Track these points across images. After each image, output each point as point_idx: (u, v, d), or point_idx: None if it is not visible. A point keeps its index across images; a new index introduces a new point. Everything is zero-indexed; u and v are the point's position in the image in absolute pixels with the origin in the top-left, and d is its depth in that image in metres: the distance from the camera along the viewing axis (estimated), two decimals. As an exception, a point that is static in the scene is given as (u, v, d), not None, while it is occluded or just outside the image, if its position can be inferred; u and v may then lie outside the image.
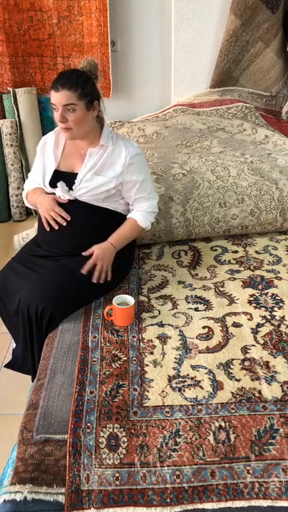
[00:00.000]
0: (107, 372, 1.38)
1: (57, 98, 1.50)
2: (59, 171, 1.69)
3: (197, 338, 1.52)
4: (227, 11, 2.82)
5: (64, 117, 1.52)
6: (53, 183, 1.67)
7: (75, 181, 1.64)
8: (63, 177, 1.67)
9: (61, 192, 1.64)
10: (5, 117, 3.09)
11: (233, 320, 1.60)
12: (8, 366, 1.84)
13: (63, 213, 1.64)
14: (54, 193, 1.68)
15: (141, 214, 1.71)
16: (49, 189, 1.69)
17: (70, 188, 1.65)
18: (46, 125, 3.17)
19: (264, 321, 1.59)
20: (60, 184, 1.64)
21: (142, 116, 3.11)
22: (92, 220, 1.67)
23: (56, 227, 1.64)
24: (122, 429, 1.22)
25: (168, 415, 1.25)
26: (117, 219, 1.74)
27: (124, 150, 1.63)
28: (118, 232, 1.70)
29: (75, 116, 1.52)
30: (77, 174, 1.65)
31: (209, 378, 1.37)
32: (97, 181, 1.63)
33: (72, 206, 1.66)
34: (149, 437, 1.20)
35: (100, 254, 1.63)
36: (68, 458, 1.15)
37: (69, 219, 1.64)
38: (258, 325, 1.57)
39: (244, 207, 2.03)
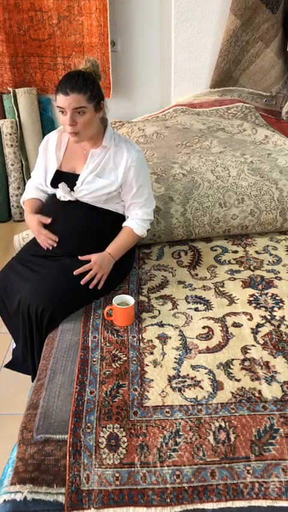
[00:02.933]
0: (107, 372, 1.38)
1: (67, 101, 1.47)
2: (60, 172, 1.69)
3: (197, 338, 1.52)
4: (227, 11, 2.82)
5: (74, 120, 1.50)
6: (54, 184, 1.67)
7: (77, 182, 1.63)
8: (65, 177, 1.67)
9: (62, 192, 1.64)
10: (5, 117, 3.09)
11: (233, 320, 1.60)
12: (8, 366, 1.84)
13: (50, 235, 1.67)
14: (55, 194, 1.68)
15: (136, 222, 1.71)
16: (50, 190, 1.69)
17: (72, 189, 1.65)
18: (46, 125, 3.17)
19: (264, 321, 1.59)
20: (62, 186, 1.64)
21: (142, 116, 3.12)
22: (93, 221, 1.68)
23: (50, 248, 1.67)
24: (122, 429, 1.22)
25: (168, 415, 1.25)
26: (118, 220, 1.74)
27: (126, 152, 1.63)
28: (115, 242, 1.70)
29: (84, 118, 1.51)
30: (78, 175, 1.65)
31: (209, 378, 1.37)
32: (98, 184, 1.63)
33: (73, 207, 1.66)
34: (149, 437, 1.20)
35: (98, 262, 1.63)
36: (68, 458, 1.15)
37: (57, 240, 1.67)
38: (258, 325, 1.57)
39: (244, 207, 2.03)
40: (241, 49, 2.91)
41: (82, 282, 1.60)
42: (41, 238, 1.69)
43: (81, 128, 1.52)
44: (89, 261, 1.64)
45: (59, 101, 1.49)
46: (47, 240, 1.67)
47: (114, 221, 1.73)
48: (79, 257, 1.65)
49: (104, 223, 1.70)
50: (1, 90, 3.03)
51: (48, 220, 1.68)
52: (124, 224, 1.73)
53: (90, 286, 1.63)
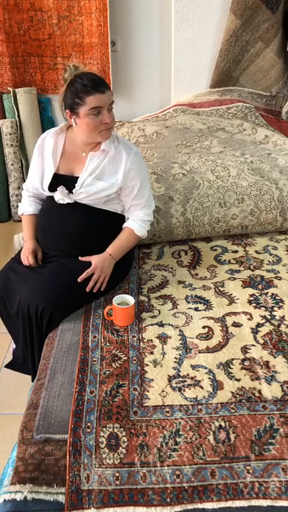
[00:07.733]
0: (107, 372, 1.38)
1: (105, 98, 1.51)
2: (57, 175, 1.68)
3: (197, 338, 1.52)
4: (227, 11, 2.82)
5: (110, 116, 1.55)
6: (51, 187, 1.66)
7: (76, 185, 1.63)
8: (62, 180, 1.66)
9: (61, 195, 1.63)
10: (5, 117, 3.09)
11: (233, 320, 1.60)
12: (8, 366, 1.84)
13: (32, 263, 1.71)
14: (52, 197, 1.67)
15: (137, 223, 1.71)
16: (47, 193, 1.69)
17: (70, 191, 1.64)
18: (46, 125, 3.17)
19: (264, 320, 1.59)
20: (60, 189, 1.63)
21: (142, 116, 3.12)
22: (92, 222, 1.67)
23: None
24: (122, 429, 1.22)
25: (168, 414, 1.26)
26: (117, 219, 1.74)
27: (125, 155, 1.63)
28: (116, 243, 1.70)
29: (113, 113, 1.57)
30: (76, 177, 1.64)
31: (209, 378, 1.37)
32: (98, 187, 1.62)
33: (72, 208, 1.65)
34: (149, 437, 1.20)
35: (99, 265, 1.63)
36: (68, 458, 1.15)
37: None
38: (258, 325, 1.57)
39: (244, 207, 2.03)
40: (241, 49, 2.91)
41: (87, 289, 1.61)
42: (24, 260, 1.71)
43: (113, 122, 1.58)
44: (89, 262, 1.64)
45: (96, 101, 1.50)
46: (28, 263, 1.70)
47: (113, 221, 1.73)
48: (79, 258, 1.65)
49: (102, 223, 1.69)
50: (1, 90, 3.03)
51: (35, 264, 1.70)
52: (125, 225, 1.73)
53: (94, 290, 1.63)
